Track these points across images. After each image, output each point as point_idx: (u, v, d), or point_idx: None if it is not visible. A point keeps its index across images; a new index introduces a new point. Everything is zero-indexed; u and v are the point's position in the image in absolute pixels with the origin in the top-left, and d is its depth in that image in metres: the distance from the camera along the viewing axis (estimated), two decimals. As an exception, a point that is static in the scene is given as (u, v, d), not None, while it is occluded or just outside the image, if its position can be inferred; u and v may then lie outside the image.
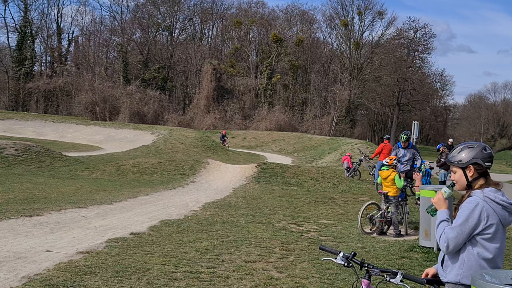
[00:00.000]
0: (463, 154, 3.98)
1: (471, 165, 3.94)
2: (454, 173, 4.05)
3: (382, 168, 12.73)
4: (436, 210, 4.05)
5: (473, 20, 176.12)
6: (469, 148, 3.99)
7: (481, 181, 3.93)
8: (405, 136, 15.06)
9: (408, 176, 15.37)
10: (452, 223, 3.88)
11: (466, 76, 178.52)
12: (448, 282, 3.89)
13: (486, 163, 3.92)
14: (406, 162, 15.49)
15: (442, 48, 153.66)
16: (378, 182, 13.60)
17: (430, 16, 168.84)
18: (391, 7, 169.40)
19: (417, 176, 12.37)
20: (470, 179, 3.96)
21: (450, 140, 28.53)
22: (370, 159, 26.48)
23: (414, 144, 20.46)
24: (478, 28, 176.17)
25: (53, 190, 17.13)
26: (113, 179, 21.84)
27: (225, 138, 50.11)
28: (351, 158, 27.08)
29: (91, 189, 18.04)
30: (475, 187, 3.92)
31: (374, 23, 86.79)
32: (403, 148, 15.32)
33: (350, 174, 25.80)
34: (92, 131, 52.25)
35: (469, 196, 3.89)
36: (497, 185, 3.91)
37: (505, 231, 3.90)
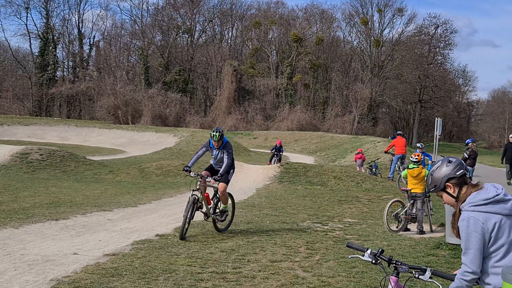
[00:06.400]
0: (434, 179, 4.02)
1: (447, 183, 3.97)
2: (443, 198, 4.08)
3: (410, 166, 12.70)
4: None
5: (495, 14, 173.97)
6: (436, 170, 4.03)
7: (463, 191, 3.93)
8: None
9: None
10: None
11: (489, 71, 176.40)
12: None
13: (457, 173, 3.93)
14: None
15: (464, 44, 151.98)
16: (403, 176, 13.54)
17: (451, 12, 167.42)
18: (410, 4, 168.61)
19: None
20: (455, 195, 3.97)
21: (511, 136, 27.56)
22: (385, 152, 26.17)
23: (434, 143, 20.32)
24: (501, 22, 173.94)
25: (78, 194, 17.28)
26: (137, 181, 21.97)
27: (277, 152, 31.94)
28: (363, 153, 27.08)
29: (115, 192, 18.16)
30: (461, 200, 3.91)
31: (394, 20, 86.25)
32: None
33: (374, 173, 25.64)
34: (115, 134, 52.65)
35: (460, 212, 3.89)
36: (476, 186, 3.91)
37: None
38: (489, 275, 3.75)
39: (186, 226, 10.33)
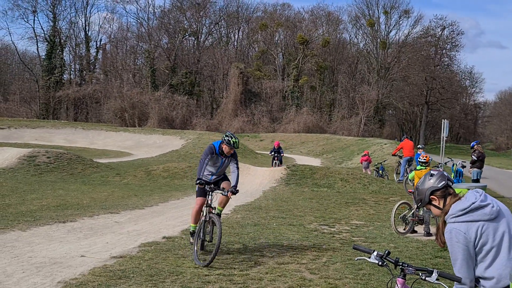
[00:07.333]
0: (419, 193, 4.09)
1: (432, 196, 4.03)
2: (432, 210, 4.15)
3: (418, 168, 12.71)
4: None
5: (502, 15, 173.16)
6: (420, 185, 4.11)
7: (447, 202, 3.99)
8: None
9: None
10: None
11: (496, 73, 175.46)
12: None
13: (439, 185, 4.00)
14: None
15: (471, 45, 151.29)
16: (410, 178, 13.54)
17: (457, 13, 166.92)
18: (417, 5, 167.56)
19: None
20: (441, 207, 4.02)
21: None
22: (392, 155, 26.49)
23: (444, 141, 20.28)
24: (508, 23, 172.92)
25: (85, 196, 17.33)
26: (144, 184, 22.01)
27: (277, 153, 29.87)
28: (369, 156, 27.31)
29: (122, 194, 18.20)
30: (445, 211, 3.96)
31: (401, 22, 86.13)
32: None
33: (380, 175, 25.65)
34: (122, 137, 52.78)
35: (443, 224, 3.95)
36: (455, 196, 3.96)
37: (502, 219, 3.82)
38: (483, 279, 3.80)
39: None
